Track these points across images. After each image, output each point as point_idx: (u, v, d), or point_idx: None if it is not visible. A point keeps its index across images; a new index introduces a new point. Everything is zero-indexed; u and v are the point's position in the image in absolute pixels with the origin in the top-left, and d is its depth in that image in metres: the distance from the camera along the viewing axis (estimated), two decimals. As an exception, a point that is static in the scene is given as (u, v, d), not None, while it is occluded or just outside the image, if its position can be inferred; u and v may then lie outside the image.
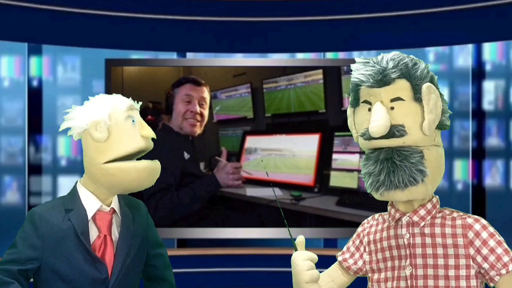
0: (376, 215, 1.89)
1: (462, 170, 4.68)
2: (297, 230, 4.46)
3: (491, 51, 4.64)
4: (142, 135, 2.02)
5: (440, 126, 1.73)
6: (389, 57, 1.71)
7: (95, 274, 1.97)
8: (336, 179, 4.39)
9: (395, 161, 1.66)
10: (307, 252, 1.78)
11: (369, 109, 1.72)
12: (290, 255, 1.82)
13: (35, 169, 4.63)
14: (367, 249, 1.86)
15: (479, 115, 4.66)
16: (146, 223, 2.16)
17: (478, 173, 4.65)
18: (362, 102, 1.75)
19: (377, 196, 1.72)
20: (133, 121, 2.03)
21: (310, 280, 1.74)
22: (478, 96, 4.67)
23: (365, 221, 1.92)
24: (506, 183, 4.61)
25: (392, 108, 1.68)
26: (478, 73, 4.67)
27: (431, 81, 1.72)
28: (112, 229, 2.03)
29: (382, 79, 1.69)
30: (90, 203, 2.02)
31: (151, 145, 2.06)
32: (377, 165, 1.69)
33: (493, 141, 4.63)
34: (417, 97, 1.68)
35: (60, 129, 2.06)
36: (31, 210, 2.04)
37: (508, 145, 4.61)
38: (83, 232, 1.98)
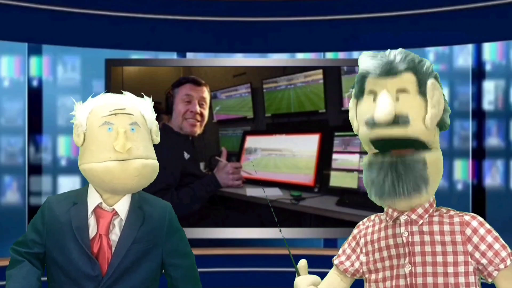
0: (372, 216, 1.90)
1: (462, 170, 4.68)
2: (297, 230, 4.47)
3: (491, 51, 4.64)
4: (113, 146, 1.92)
5: (441, 124, 1.77)
6: (396, 52, 1.75)
7: (87, 270, 1.98)
8: (336, 179, 4.39)
9: (399, 170, 1.69)
10: (309, 277, 1.80)
11: (374, 100, 1.73)
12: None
13: (35, 169, 4.63)
14: (363, 250, 1.86)
15: (479, 115, 4.66)
16: (163, 230, 2.08)
17: (478, 173, 4.64)
18: (367, 93, 1.76)
19: (378, 202, 1.77)
20: (109, 129, 1.94)
21: None
22: (478, 96, 4.66)
23: (360, 223, 1.92)
24: (506, 183, 4.61)
25: (397, 98, 1.71)
26: (478, 73, 4.67)
27: (435, 79, 1.76)
28: (111, 230, 2.01)
29: (389, 70, 1.71)
30: (92, 199, 2.02)
31: (125, 157, 1.92)
32: (380, 173, 1.71)
33: (493, 141, 4.63)
34: (422, 91, 1.72)
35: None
36: (48, 197, 2.09)
37: (508, 145, 4.61)
38: (78, 227, 1.99)
